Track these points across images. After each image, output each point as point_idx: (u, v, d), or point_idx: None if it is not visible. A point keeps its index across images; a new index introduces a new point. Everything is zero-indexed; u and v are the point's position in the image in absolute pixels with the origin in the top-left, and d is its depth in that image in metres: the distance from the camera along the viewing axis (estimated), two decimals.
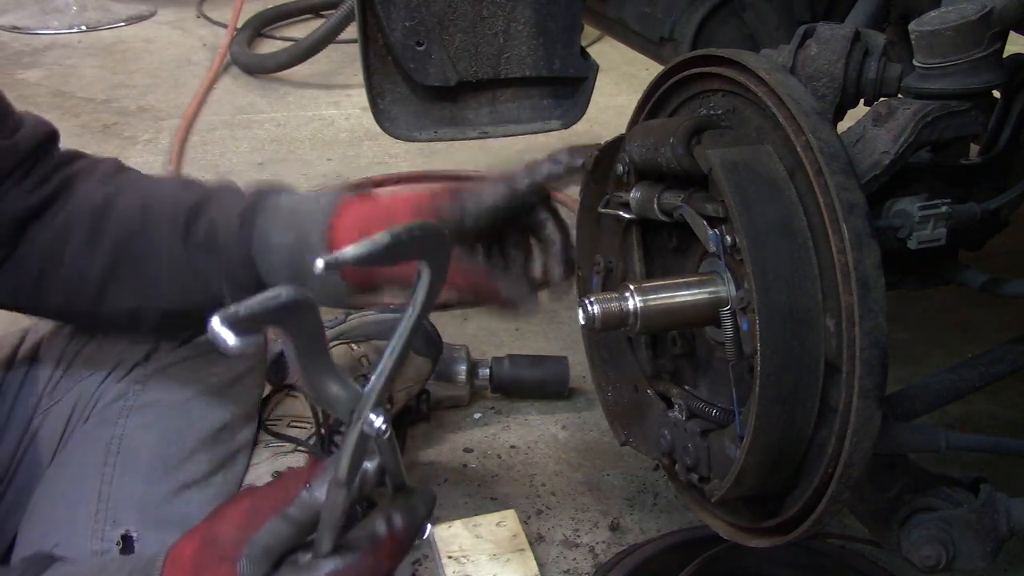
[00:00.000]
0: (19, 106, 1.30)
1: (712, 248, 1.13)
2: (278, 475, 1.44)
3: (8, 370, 1.39)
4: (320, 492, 0.83)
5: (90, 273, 1.22)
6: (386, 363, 0.83)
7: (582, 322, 1.17)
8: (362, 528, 0.84)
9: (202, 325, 0.69)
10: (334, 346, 1.71)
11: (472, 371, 1.96)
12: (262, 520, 0.82)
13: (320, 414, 1.56)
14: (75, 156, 1.32)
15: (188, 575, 0.82)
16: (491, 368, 1.98)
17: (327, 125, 3.50)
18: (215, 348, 0.67)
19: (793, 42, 1.23)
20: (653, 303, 1.16)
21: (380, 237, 0.75)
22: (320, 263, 0.71)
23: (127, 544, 1.26)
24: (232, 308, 0.68)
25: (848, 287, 0.99)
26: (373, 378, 0.83)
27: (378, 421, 0.82)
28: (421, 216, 1.21)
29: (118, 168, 1.34)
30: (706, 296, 1.16)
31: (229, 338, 0.67)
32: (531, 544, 1.59)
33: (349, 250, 0.73)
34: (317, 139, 3.39)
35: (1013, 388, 1.95)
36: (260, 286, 1.17)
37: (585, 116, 1.79)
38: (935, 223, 1.12)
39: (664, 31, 1.78)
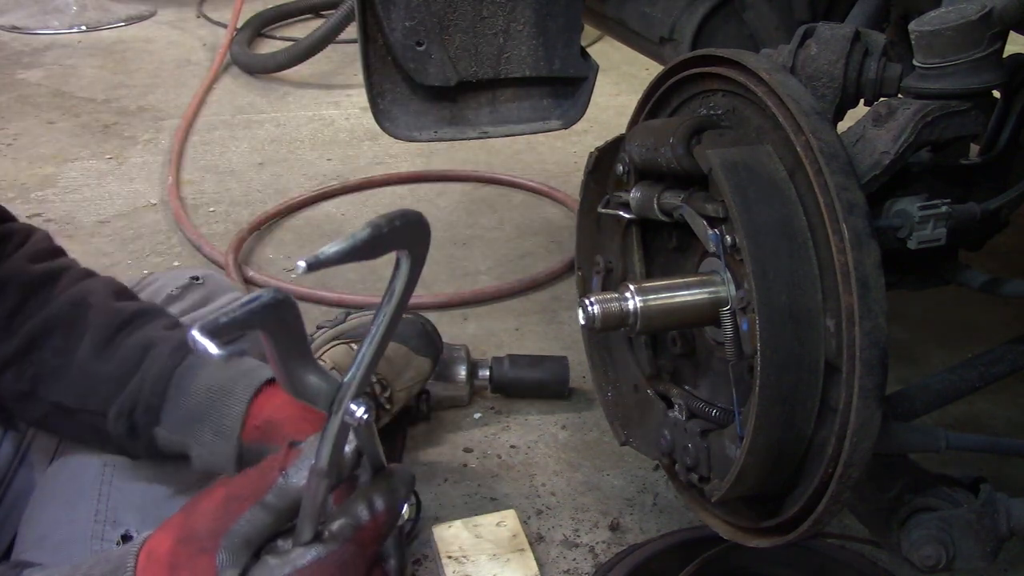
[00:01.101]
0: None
1: (712, 248, 1.13)
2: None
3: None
4: (297, 478, 0.82)
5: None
6: (366, 352, 0.82)
7: (582, 322, 1.17)
8: (343, 514, 0.84)
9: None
10: (333, 346, 1.71)
11: (472, 371, 1.96)
12: (239, 509, 0.81)
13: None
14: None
15: (165, 570, 0.81)
16: (491, 368, 1.98)
17: (327, 125, 3.51)
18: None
19: (793, 42, 1.23)
20: (653, 303, 1.16)
21: (360, 231, 0.75)
22: (302, 263, 0.70)
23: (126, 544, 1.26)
24: (212, 318, 0.68)
25: (848, 287, 0.99)
26: (353, 368, 0.82)
27: (359, 411, 0.81)
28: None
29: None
30: (706, 296, 1.16)
31: (211, 347, 0.66)
32: (531, 544, 1.59)
33: (331, 247, 0.72)
34: (317, 139, 3.39)
35: (1013, 388, 1.95)
36: (158, 407, 1.17)
37: (585, 116, 1.80)
38: (935, 223, 1.12)
39: (664, 31, 1.78)
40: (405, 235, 0.78)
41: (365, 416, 0.81)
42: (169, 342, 1.19)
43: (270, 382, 1.17)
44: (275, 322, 0.73)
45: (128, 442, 1.20)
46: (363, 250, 0.75)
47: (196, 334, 0.66)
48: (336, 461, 0.82)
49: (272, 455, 0.86)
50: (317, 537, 0.82)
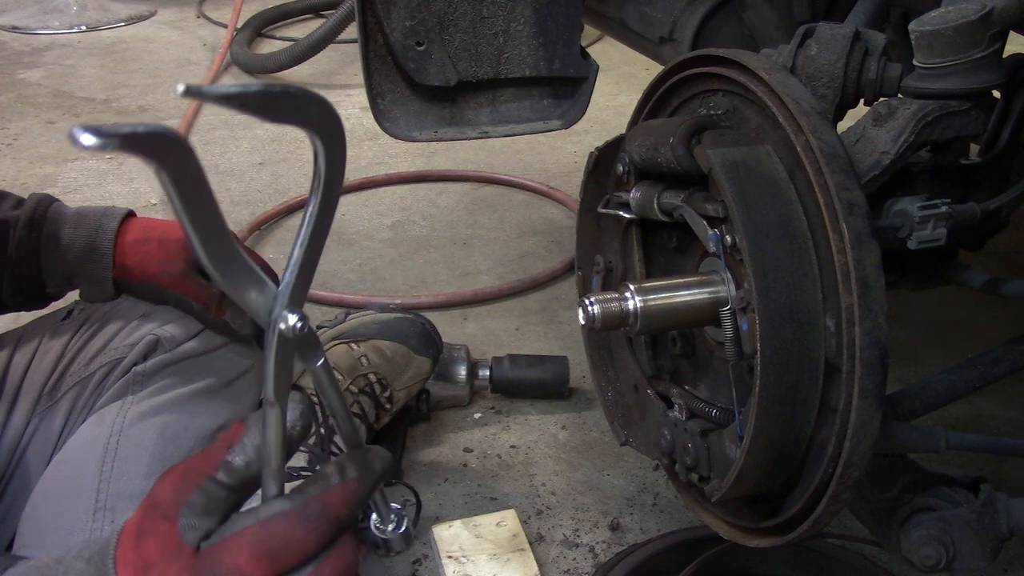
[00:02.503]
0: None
1: (712, 248, 1.13)
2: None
3: (6, 370, 1.39)
4: (241, 456, 0.81)
5: None
6: (297, 254, 0.75)
7: (582, 322, 1.17)
8: (314, 477, 0.83)
9: None
10: (333, 346, 1.71)
11: (472, 371, 1.96)
12: (195, 482, 0.81)
13: (319, 414, 1.56)
14: None
15: (133, 539, 0.82)
16: (491, 368, 1.98)
17: None
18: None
19: (793, 42, 1.23)
20: (653, 303, 1.16)
21: (252, 83, 0.68)
22: (181, 87, 0.62)
23: None
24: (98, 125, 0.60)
25: (848, 287, 0.99)
26: (286, 272, 0.75)
27: (293, 319, 0.74)
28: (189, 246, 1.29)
29: None
30: (706, 296, 1.16)
31: (86, 138, 0.58)
32: (531, 544, 1.59)
33: (218, 86, 0.65)
34: None
35: (1013, 388, 1.95)
36: (39, 282, 1.37)
37: (585, 116, 1.80)
38: (935, 223, 1.12)
39: (664, 31, 1.78)
40: (309, 113, 0.70)
41: (300, 324, 0.74)
42: (21, 221, 1.36)
43: (121, 222, 1.38)
44: (170, 160, 0.64)
45: (27, 306, 1.42)
46: (253, 101, 0.66)
47: (76, 128, 0.58)
48: (284, 386, 0.77)
49: (224, 434, 0.85)
50: (284, 494, 0.81)
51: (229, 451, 0.80)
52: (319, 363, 0.79)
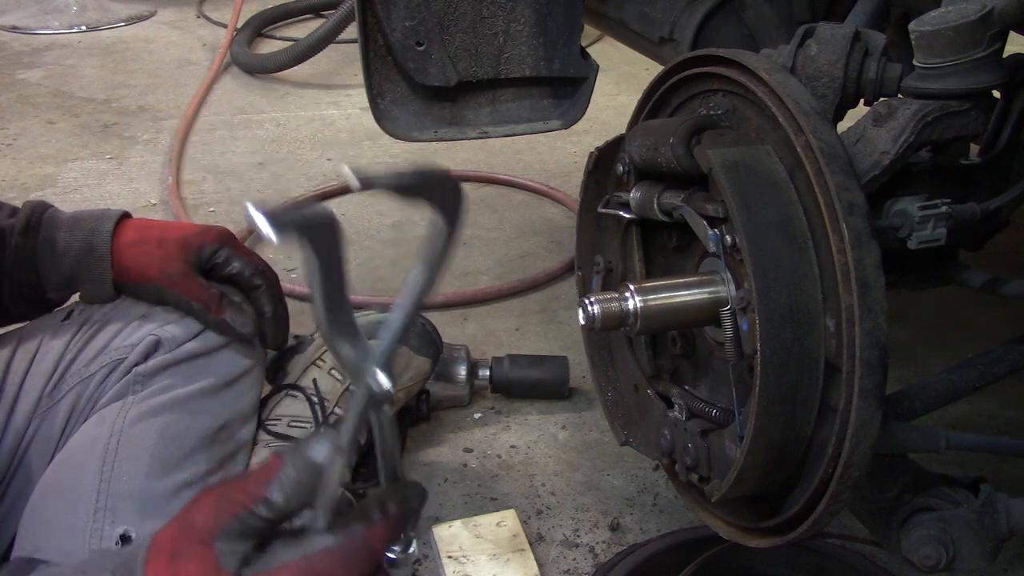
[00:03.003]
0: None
1: (712, 248, 1.13)
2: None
3: (7, 370, 1.39)
4: (282, 496, 0.83)
5: None
6: (397, 319, 0.83)
7: (582, 322, 1.17)
8: (356, 511, 0.85)
9: None
10: None
11: (472, 371, 1.96)
12: (231, 511, 0.82)
13: (319, 414, 1.56)
14: None
15: (167, 558, 0.83)
16: (491, 368, 1.98)
17: (327, 125, 3.51)
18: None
19: (793, 42, 1.23)
20: (653, 303, 1.16)
21: (405, 172, 0.78)
22: (355, 181, 0.74)
23: (126, 543, 1.26)
24: (269, 204, 0.71)
25: (848, 287, 0.99)
26: (386, 336, 0.82)
27: (385, 381, 0.81)
28: (188, 241, 1.40)
29: None
30: (706, 296, 1.16)
31: (271, 232, 0.70)
32: (531, 544, 1.59)
33: (381, 176, 0.76)
34: (317, 139, 3.39)
35: (1013, 388, 1.95)
36: (39, 288, 1.38)
37: (585, 116, 1.79)
38: (935, 223, 1.12)
39: (664, 31, 1.78)
40: (441, 193, 0.80)
41: (389, 388, 0.81)
42: (17, 228, 1.37)
43: (117, 223, 1.39)
44: (323, 242, 0.75)
45: (29, 312, 1.43)
46: (405, 187, 0.78)
47: (253, 210, 0.70)
48: (356, 438, 0.82)
49: (263, 465, 0.87)
50: (330, 527, 0.83)
51: (269, 486, 0.82)
52: (388, 412, 0.86)
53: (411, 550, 0.90)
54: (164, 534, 0.85)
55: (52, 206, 1.43)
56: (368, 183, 0.75)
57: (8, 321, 1.42)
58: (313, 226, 0.74)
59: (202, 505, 0.85)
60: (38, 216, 1.39)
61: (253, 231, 0.74)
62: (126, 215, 1.43)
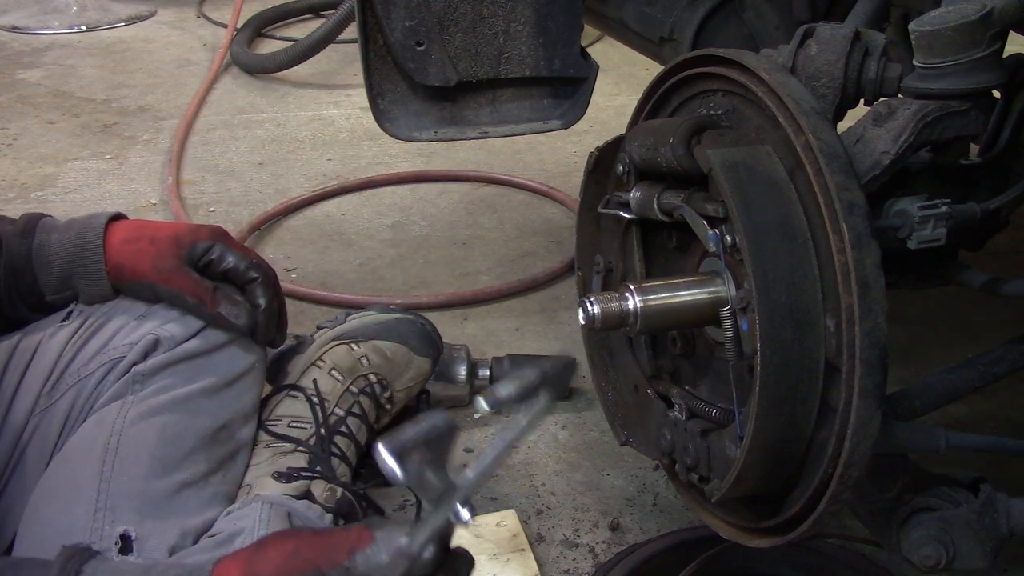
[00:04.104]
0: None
1: (712, 248, 1.13)
2: (279, 475, 1.44)
3: (5, 370, 1.39)
4: (362, 568, 0.85)
5: None
6: (488, 459, 0.91)
7: (582, 322, 1.17)
8: None
9: None
10: (334, 346, 1.71)
11: (472, 371, 1.96)
12: (301, 569, 0.84)
13: (320, 414, 1.56)
14: None
15: None
16: (491, 368, 1.98)
17: (327, 125, 3.50)
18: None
19: (793, 42, 1.23)
20: (653, 303, 1.16)
21: (530, 373, 0.91)
22: (485, 406, 0.89)
23: (126, 543, 1.26)
24: (397, 435, 0.83)
25: (848, 287, 0.99)
26: (473, 473, 0.90)
27: (466, 514, 0.89)
28: (180, 237, 1.41)
29: None
30: (706, 296, 1.16)
31: (398, 471, 0.84)
32: (531, 544, 1.59)
33: (509, 389, 0.89)
34: (317, 139, 3.39)
35: (1013, 388, 1.95)
36: (37, 291, 1.40)
37: (585, 116, 1.79)
38: (935, 223, 1.12)
39: (664, 31, 1.78)
40: (558, 380, 0.89)
41: (471, 519, 0.88)
42: (13, 233, 1.40)
43: (110, 223, 1.42)
44: (440, 443, 0.89)
45: (30, 317, 1.44)
46: (532, 391, 0.91)
47: (383, 450, 0.84)
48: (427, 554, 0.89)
49: (346, 531, 0.89)
50: None
51: (353, 556, 0.84)
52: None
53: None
54: (231, 570, 0.86)
55: (49, 215, 1.45)
56: (497, 404, 0.88)
57: (9, 328, 1.43)
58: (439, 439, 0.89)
59: (272, 554, 0.86)
60: (33, 223, 1.42)
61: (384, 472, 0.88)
62: (120, 216, 1.45)
